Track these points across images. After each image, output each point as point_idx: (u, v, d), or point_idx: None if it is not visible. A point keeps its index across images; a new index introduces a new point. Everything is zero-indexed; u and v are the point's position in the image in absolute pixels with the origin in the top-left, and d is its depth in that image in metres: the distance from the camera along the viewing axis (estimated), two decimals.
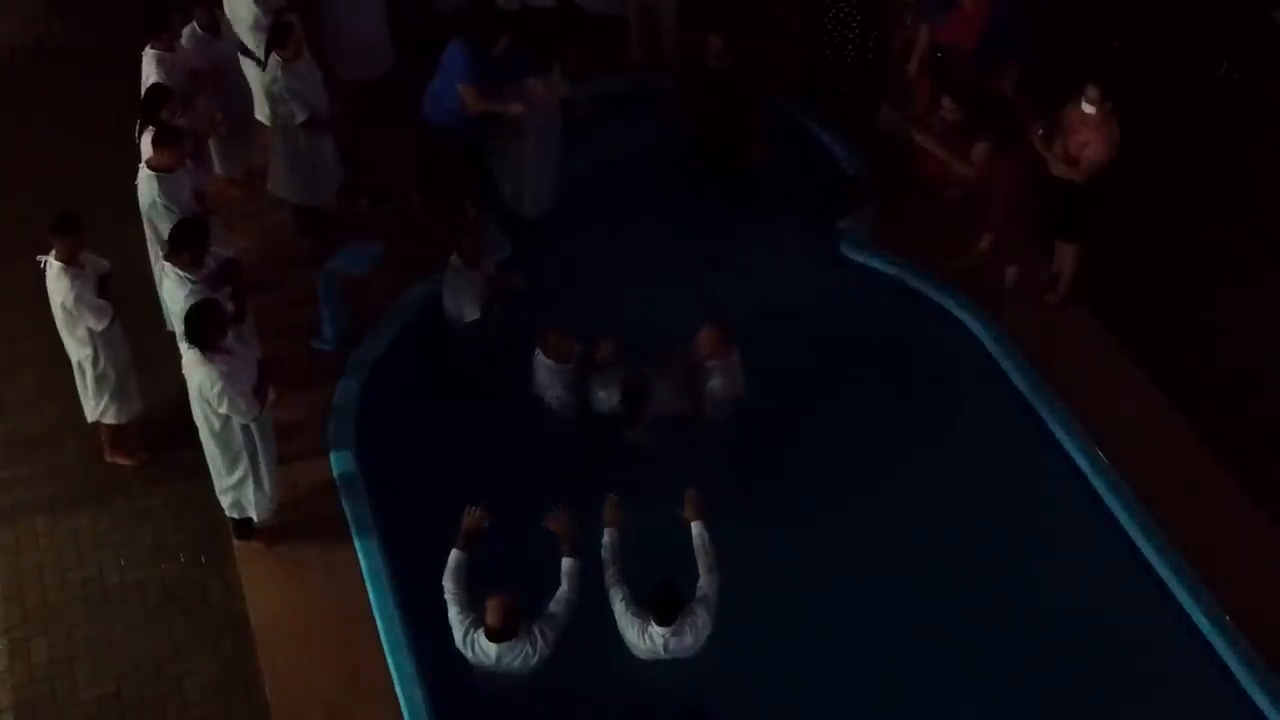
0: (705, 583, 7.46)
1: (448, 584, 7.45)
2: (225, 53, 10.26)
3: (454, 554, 7.50)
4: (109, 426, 9.08)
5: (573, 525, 7.60)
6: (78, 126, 11.47)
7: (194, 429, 8.26)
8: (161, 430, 9.19)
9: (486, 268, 9.48)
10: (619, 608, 7.44)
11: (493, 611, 7.19)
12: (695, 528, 7.59)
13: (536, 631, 7.31)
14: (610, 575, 7.53)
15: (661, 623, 7.29)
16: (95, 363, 8.74)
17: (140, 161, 9.09)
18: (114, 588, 8.57)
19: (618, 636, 7.54)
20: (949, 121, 10.06)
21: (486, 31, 10.15)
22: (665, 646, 7.33)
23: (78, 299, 8.43)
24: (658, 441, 8.97)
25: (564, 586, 7.45)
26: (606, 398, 8.95)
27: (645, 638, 7.35)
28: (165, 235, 8.70)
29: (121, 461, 9.19)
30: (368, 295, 9.84)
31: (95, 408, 8.96)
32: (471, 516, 7.55)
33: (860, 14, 10.93)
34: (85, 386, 8.90)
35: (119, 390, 8.91)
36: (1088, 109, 9.46)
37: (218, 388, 7.83)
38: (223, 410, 7.96)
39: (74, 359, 8.82)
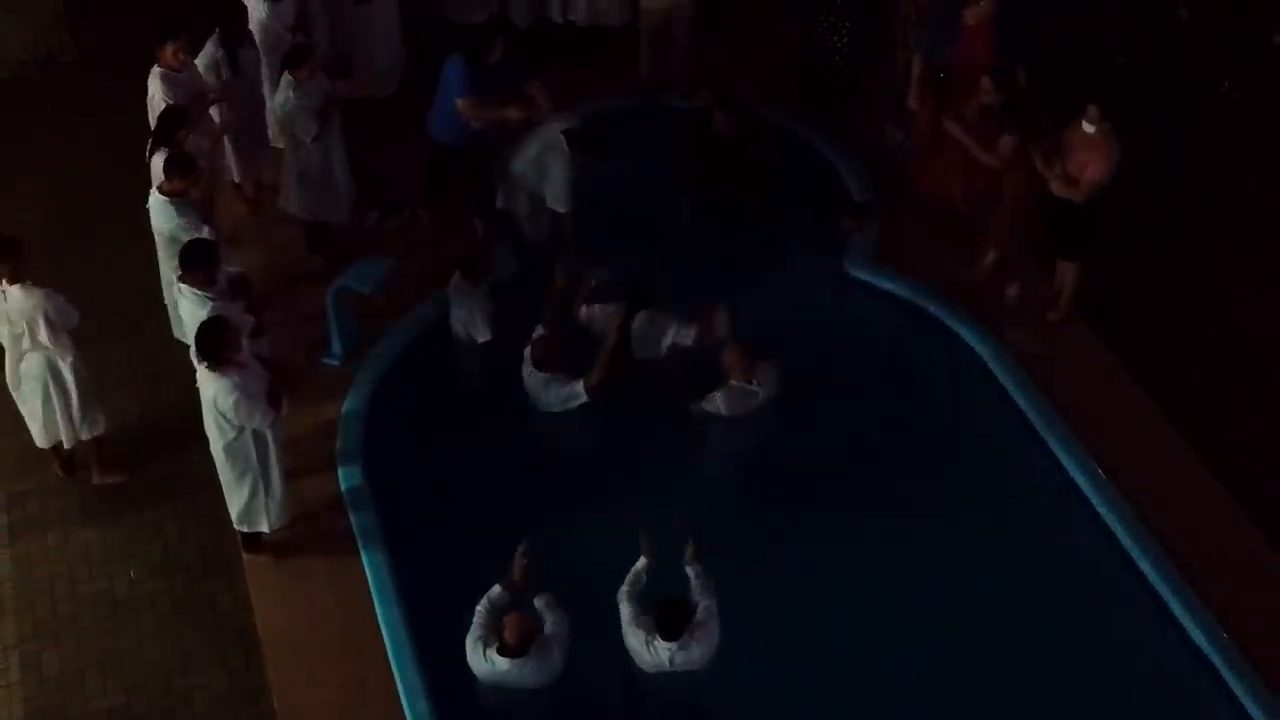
0: (710, 603, 7.56)
1: (482, 609, 7.55)
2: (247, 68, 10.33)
3: (498, 590, 7.60)
4: (94, 441, 9.08)
5: (531, 568, 7.64)
6: (88, 141, 11.55)
7: (204, 442, 8.33)
8: (171, 444, 9.29)
9: (485, 287, 9.57)
10: (626, 618, 7.54)
11: (511, 629, 7.30)
12: (691, 570, 7.69)
13: (552, 647, 7.41)
14: (625, 591, 7.64)
15: (666, 637, 7.37)
16: (75, 371, 8.78)
17: (149, 182, 9.15)
18: (124, 600, 8.65)
19: (623, 651, 7.62)
20: (985, 104, 10.09)
21: (482, 41, 10.13)
22: (671, 660, 7.40)
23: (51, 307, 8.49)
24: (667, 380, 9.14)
25: (550, 618, 7.54)
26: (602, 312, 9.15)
27: (651, 650, 7.43)
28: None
29: (113, 480, 9.24)
30: (376, 311, 9.90)
31: (83, 421, 8.97)
32: (522, 567, 7.61)
33: (849, 20, 11.02)
34: (69, 403, 8.87)
35: (95, 396, 8.95)
36: (1088, 128, 9.53)
37: (233, 398, 7.89)
38: (239, 421, 8.02)
39: (62, 377, 8.76)
